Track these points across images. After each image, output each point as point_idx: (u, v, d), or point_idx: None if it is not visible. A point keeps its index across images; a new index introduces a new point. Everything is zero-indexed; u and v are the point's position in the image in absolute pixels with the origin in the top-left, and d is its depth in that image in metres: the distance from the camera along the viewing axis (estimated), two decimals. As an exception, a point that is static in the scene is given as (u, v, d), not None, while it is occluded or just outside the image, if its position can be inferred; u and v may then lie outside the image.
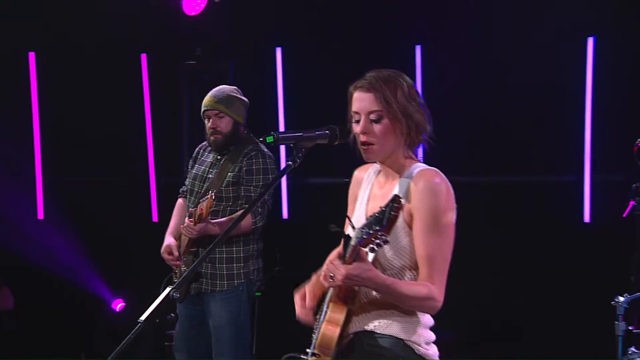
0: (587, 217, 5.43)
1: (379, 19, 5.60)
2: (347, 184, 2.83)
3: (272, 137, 2.46)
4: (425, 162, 2.61)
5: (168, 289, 2.19)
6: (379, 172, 2.64)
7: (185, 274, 2.41)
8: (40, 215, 6.10)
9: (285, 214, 5.78)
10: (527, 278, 5.33)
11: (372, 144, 2.48)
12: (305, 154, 2.49)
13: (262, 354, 5.00)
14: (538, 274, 5.30)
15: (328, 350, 2.44)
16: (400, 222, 2.45)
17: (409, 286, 2.41)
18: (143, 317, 2.18)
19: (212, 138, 4.29)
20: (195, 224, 4.06)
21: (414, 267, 2.46)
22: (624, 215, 4.27)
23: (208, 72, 5.62)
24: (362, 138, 2.49)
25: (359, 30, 5.62)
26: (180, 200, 4.59)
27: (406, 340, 2.48)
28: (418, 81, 5.57)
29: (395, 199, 2.21)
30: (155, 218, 5.95)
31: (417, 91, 2.56)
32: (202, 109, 4.33)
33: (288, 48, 5.72)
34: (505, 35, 5.38)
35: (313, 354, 2.50)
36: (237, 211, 4.26)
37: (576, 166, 5.45)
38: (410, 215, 2.45)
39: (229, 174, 4.21)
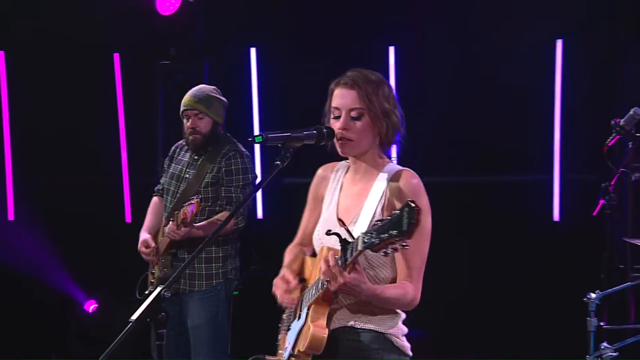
0: (556, 216, 5.54)
1: (353, 20, 5.65)
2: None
3: (261, 137, 2.48)
4: (398, 162, 2.67)
5: (159, 289, 2.20)
6: (347, 170, 2.69)
7: (176, 273, 2.41)
8: (11, 216, 6.04)
9: (260, 214, 5.79)
10: (498, 276, 5.41)
11: (351, 140, 2.54)
12: (293, 153, 2.50)
13: (237, 353, 5.01)
14: (509, 272, 5.39)
15: (317, 351, 2.47)
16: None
17: (393, 291, 2.48)
18: (134, 317, 2.17)
19: (190, 138, 4.29)
20: (177, 228, 4.07)
21: (391, 265, 2.53)
22: (594, 214, 4.35)
23: (182, 72, 5.62)
24: (342, 134, 2.54)
25: (333, 31, 5.67)
26: (155, 199, 4.58)
27: (385, 333, 2.56)
28: (392, 82, 5.61)
29: (409, 204, 2.20)
30: (128, 219, 5.92)
31: (394, 93, 2.64)
32: (182, 109, 4.32)
33: (262, 48, 5.74)
34: (477, 37, 5.47)
35: (293, 356, 2.54)
36: (216, 211, 4.28)
37: (546, 165, 5.55)
38: None
39: (208, 174, 4.22)
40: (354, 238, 2.34)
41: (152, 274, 4.41)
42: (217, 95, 4.35)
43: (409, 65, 5.64)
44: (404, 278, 2.50)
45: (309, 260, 2.75)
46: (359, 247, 2.28)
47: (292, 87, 5.70)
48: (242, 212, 4.22)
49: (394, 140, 2.61)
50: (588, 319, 3.99)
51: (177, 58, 5.60)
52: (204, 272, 4.24)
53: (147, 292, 4.42)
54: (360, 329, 2.55)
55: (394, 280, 2.53)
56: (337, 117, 2.57)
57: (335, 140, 2.57)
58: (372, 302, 2.49)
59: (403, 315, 2.61)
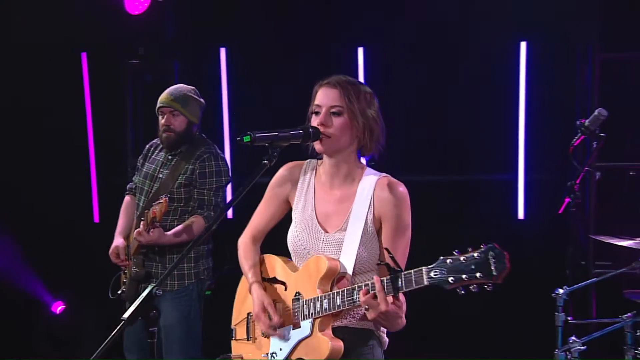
0: (521, 214, 5.66)
1: (323, 20, 5.68)
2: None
3: (249, 136, 2.50)
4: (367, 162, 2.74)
5: (150, 287, 2.22)
6: (315, 172, 2.74)
7: (168, 271, 2.42)
8: (-24, 216, 5.97)
9: (230, 214, 5.80)
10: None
11: (329, 136, 2.59)
12: (280, 153, 2.53)
13: (209, 353, 5.02)
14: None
15: None
16: (371, 228, 2.59)
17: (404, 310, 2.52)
18: (126, 315, 2.19)
19: (164, 135, 4.28)
20: (146, 227, 4.06)
21: (377, 271, 2.58)
22: (560, 211, 4.46)
23: (151, 71, 5.61)
24: (320, 129, 2.59)
25: (303, 31, 5.69)
26: (127, 198, 4.57)
27: (375, 330, 2.66)
28: (360, 82, 5.67)
29: (494, 247, 2.25)
30: (96, 219, 5.88)
31: (377, 102, 2.70)
32: (157, 105, 4.31)
33: (232, 48, 5.73)
34: (444, 38, 5.55)
35: None
36: (188, 212, 4.28)
37: (511, 165, 5.66)
38: (380, 222, 2.60)
39: (181, 175, 4.22)
40: (400, 267, 2.39)
41: (125, 273, 4.40)
42: (194, 96, 4.36)
43: (378, 66, 5.70)
44: None
45: (277, 261, 2.79)
46: (424, 282, 2.32)
47: (262, 87, 5.73)
48: (214, 215, 4.23)
49: (373, 148, 2.66)
50: (556, 314, 4.11)
51: (146, 57, 5.58)
52: (175, 272, 4.24)
53: (119, 292, 4.42)
54: (356, 328, 2.64)
55: (374, 270, 2.61)
56: (317, 113, 2.64)
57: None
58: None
59: None
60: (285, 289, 2.70)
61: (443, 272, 2.28)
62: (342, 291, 2.51)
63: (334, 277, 2.56)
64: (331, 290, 2.55)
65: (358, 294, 2.42)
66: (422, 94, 5.67)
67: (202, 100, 4.39)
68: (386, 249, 2.46)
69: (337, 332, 2.59)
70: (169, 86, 4.44)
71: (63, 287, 5.94)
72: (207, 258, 4.38)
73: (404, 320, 2.49)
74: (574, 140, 4.29)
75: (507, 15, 5.46)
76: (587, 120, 4.22)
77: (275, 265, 2.79)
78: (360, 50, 5.69)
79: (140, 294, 4.25)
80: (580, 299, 5.04)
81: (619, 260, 5.07)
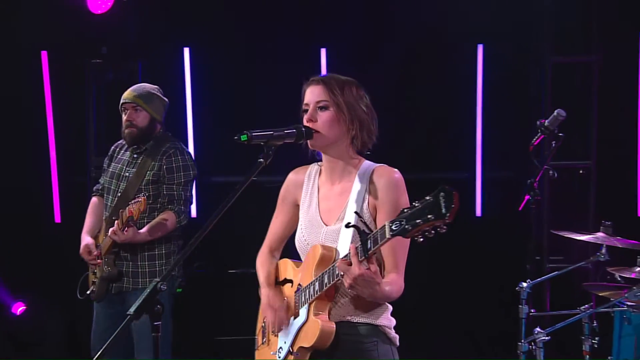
0: (478, 211, 5.85)
1: (286, 21, 5.76)
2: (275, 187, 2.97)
3: (245, 135, 2.57)
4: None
5: (155, 281, 2.28)
6: (319, 173, 2.82)
7: (173, 264, 2.47)
8: None
9: (194, 213, 5.84)
10: (426, 272, 5.65)
11: (317, 131, 2.67)
12: (275, 151, 2.60)
13: (178, 352, 5.05)
14: (435, 267, 5.63)
15: (325, 345, 2.59)
16: (367, 216, 2.65)
17: (392, 287, 2.58)
18: (132, 310, 2.24)
19: (126, 131, 4.31)
20: (121, 226, 4.08)
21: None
22: (520, 208, 4.63)
23: (115, 71, 5.60)
24: (309, 125, 2.68)
25: (266, 32, 5.75)
26: (94, 199, 4.56)
27: (379, 325, 2.69)
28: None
29: (445, 188, 2.25)
30: (57, 219, 5.84)
31: (367, 97, 2.78)
32: (121, 102, 4.34)
33: (196, 48, 5.76)
34: (404, 39, 5.68)
35: (291, 353, 2.66)
36: (157, 209, 4.30)
37: (468, 164, 5.84)
38: (375, 210, 2.66)
39: (149, 172, 4.24)
40: (371, 230, 2.43)
41: (94, 273, 4.41)
42: (157, 94, 4.40)
43: (341, 66, 5.81)
44: (391, 270, 2.62)
45: (289, 263, 2.86)
46: (387, 235, 2.34)
47: (226, 87, 5.78)
48: (184, 210, 4.28)
49: (365, 139, 2.73)
50: (520, 306, 4.23)
51: (109, 57, 5.58)
52: (147, 270, 4.27)
53: (88, 292, 4.43)
54: (357, 322, 2.67)
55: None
56: (306, 111, 2.71)
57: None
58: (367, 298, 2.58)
59: (390, 308, 2.75)
60: (292, 286, 2.77)
61: (402, 222, 2.30)
62: (329, 268, 2.56)
63: (330, 264, 2.59)
64: None
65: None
66: (382, 94, 5.78)
67: (165, 99, 4.42)
68: (355, 212, 2.52)
69: (340, 327, 2.62)
70: (132, 86, 4.47)
71: (23, 288, 5.86)
72: (177, 255, 4.40)
73: (383, 288, 2.50)
74: (534, 139, 4.39)
75: (464, 19, 5.64)
76: (546, 121, 4.32)
77: (286, 267, 2.86)
78: (323, 51, 5.79)
79: (109, 293, 4.29)
80: (534, 293, 5.27)
81: (572, 255, 5.33)
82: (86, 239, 4.39)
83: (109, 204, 4.35)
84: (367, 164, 2.75)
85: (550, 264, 5.56)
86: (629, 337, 4.30)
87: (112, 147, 4.53)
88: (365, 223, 2.44)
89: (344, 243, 2.62)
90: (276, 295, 2.78)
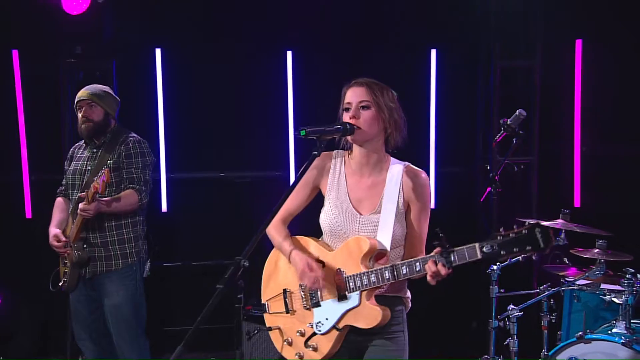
0: (433, 204, 6.23)
1: (254, 23, 5.99)
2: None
3: (304, 131, 2.90)
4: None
5: (237, 259, 2.54)
6: (344, 162, 3.16)
7: (253, 240, 2.66)
8: None
9: (164, 207, 6.01)
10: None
11: (359, 127, 3.01)
12: (326, 145, 2.95)
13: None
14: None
15: (380, 326, 2.99)
16: (401, 210, 3.04)
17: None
18: (220, 285, 2.50)
19: (83, 126, 4.55)
20: (88, 202, 4.28)
21: (404, 245, 3.07)
22: (481, 199, 5.05)
23: (89, 70, 5.71)
24: (352, 121, 3.01)
25: (236, 33, 5.99)
26: (59, 199, 4.76)
27: (404, 297, 3.15)
28: (289, 84, 6.07)
29: (540, 224, 2.66)
30: (29, 214, 5.90)
31: (398, 100, 3.14)
32: (75, 101, 4.58)
33: (167, 49, 5.92)
34: (365, 43, 6.03)
35: (336, 329, 3.02)
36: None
37: (423, 160, 6.16)
38: (408, 205, 3.05)
39: (109, 162, 4.46)
40: (451, 247, 2.79)
41: (65, 264, 4.59)
42: (109, 92, 4.68)
43: (306, 68, 6.09)
44: (418, 252, 3.04)
45: (310, 241, 3.17)
46: (478, 256, 2.73)
47: (196, 86, 5.98)
48: (145, 189, 4.52)
49: (397, 140, 3.09)
50: (490, 287, 4.67)
51: (83, 57, 5.69)
52: (119, 252, 4.50)
53: (60, 284, 4.61)
54: (389, 295, 3.10)
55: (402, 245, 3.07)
56: (348, 110, 3.04)
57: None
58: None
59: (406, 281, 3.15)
60: (324, 266, 3.08)
61: (495, 247, 2.70)
62: (390, 267, 2.91)
63: (373, 254, 2.98)
64: (373, 267, 2.98)
65: (422, 266, 2.84)
66: (338, 96, 6.11)
67: (117, 98, 4.69)
68: (436, 230, 2.87)
69: (377, 300, 3.01)
70: (107, 86, 4.63)
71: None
72: (144, 239, 4.65)
73: None
74: (497, 136, 4.81)
75: (419, 26, 6.07)
76: (509, 120, 4.74)
77: (308, 244, 3.17)
78: (289, 54, 6.06)
79: (82, 279, 4.46)
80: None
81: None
82: (54, 230, 4.59)
83: (74, 197, 4.56)
84: (395, 161, 3.12)
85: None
86: (578, 313, 4.75)
87: (71, 150, 4.77)
88: (446, 239, 2.80)
89: (384, 234, 3.00)
90: (319, 266, 3.07)
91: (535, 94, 6.16)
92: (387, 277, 2.94)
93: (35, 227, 5.75)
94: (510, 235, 2.68)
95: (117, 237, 4.48)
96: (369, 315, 2.99)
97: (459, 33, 6.11)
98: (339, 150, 3.19)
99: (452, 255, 2.77)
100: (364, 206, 3.07)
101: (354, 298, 3.00)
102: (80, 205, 4.31)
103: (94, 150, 4.56)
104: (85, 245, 4.46)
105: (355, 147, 3.13)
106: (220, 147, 6.02)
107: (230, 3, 6.00)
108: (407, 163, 3.13)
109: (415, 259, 2.89)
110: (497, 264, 4.69)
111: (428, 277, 2.83)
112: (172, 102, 5.95)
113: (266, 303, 3.25)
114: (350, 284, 3.01)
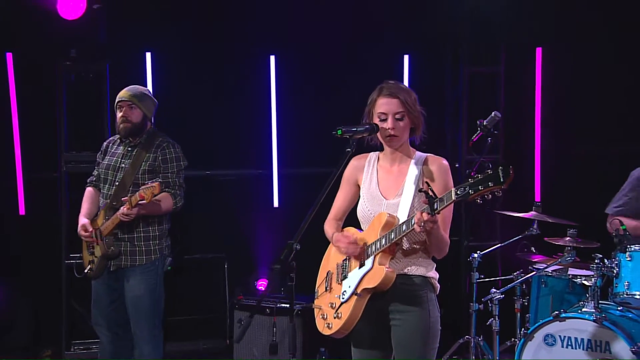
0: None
1: (240, 30, 6.28)
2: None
3: (340, 130, 3.27)
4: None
5: (290, 242, 2.87)
6: (378, 159, 3.53)
7: (301, 226, 2.97)
8: None
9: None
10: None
11: (397, 136, 3.39)
12: (358, 143, 3.32)
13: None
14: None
15: (386, 287, 3.28)
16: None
17: (446, 235, 3.33)
18: (277, 265, 2.82)
19: (122, 126, 4.78)
20: (130, 207, 4.54)
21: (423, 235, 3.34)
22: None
23: (84, 73, 5.90)
24: (391, 132, 3.36)
25: (222, 39, 6.29)
26: (89, 189, 4.96)
27: (429, 277, 3.42)
28: (272, 88, 6.39)
29: (504, 164, 2.88)
30: (22, 211, 6.03)
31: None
32: (117, 100, 4.81)
33: (157, 53, 6.16)
34: (343, 49, 6.38)
35: (356, 294, 3.32)
36: None
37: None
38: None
39: (144, 163, 4.72)
40: (436, 195, 3.08)
41: (92, 253, 4.82)
42: (149, 94, 4.91)
43: (289, 72, 6.41)
44: (443, 230, 3.31)
45: (352, 229, 3.53)
46: (453, 197, 3.01)
47: (184, 89, 6.23)
48: (180, 193, 4.77)
49: (418, 134, 3.46)
50: (472, 273, 5.10)
51: (77, 60, 5.87)
52: (143, 249, 4.73)
53: (86, 271, 4.84)
54: (412, 275, 3.36)
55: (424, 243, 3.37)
56: (384, 120, 3.38)
57: (382, 137, 3.41)
58: (420, 251, 3.33)
59: (435, 264, 3.46)
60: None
61: (466, 188, 2.97)
62: (395, 227, 3.21)
63: (392, 227, 3.28)
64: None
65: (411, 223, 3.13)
66: (317, 98, 6.47)
67: (155, 100, 4.92)
68: (426, 181, 3.20)
69: (398, 278, 3.31)
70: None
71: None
72: (167, 237, 4.90)
73: (442, 233, 3.21)
74: (474, 136, 5.07)
75: (393, 32, 6.43)
76: (485, 120, 4.98)
77: (350, 230, 3.54)
78: (272, 58, 6.39)
79: (107, 270, 4.72)
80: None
81: (495, 233, 6.30)
82: (83, 220, 4.81)
83: (106, 192, 4.79)
84: (419, 153, 3.48)
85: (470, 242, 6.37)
86: (545, 297, 5.12)
87: (105, 143, 4.98)
88: (432, 190, 3.10)
89: (403, 213, 3.32)
90: (351, 235, 3.41)
91: (499, 97, 6.57)
92: (392, 237, 3.24)
93: (29, 223, 5.96)
94: (478, 176, 2.95)
95: (144, 234, 4.72)
96: (375, 275, 3.26)
97: (429, 39, 6.49)
98: (375, 152, 3.54)
99: (435, 203, 3.07)
100: (389, 192, 3.41)
101: (368, 263, 3.32)
102: (123, 209, 4.54)
103: (129, 148, 4.78)
104: (115, 241, 4.69)
105: (386, 147, 3.48)
106: (206, 147, 6.26)
107: (218, 11, 6.27)
108: (429, 154, 3.47)
109: (411, 216, 3.22)
110: (478, 251, 5.12)
111: (415, 225, 3.11)
112: (160, 103, 6.14)
113: (316, 289, 3.59)
114: (368, 251, 3.34)
